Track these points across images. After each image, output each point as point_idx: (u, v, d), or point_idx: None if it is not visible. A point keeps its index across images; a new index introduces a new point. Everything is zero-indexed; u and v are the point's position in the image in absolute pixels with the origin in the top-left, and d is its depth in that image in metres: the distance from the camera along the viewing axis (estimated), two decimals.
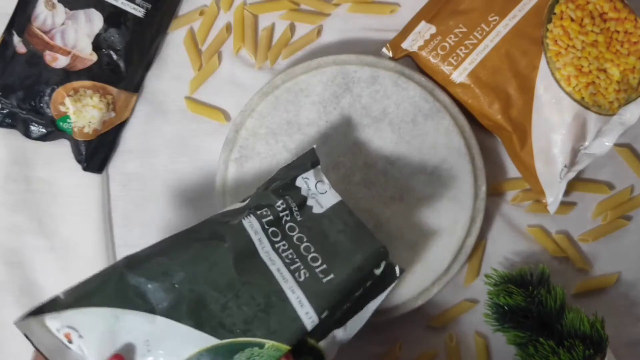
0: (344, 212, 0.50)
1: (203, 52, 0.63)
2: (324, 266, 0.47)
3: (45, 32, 0.58)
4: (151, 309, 0.45)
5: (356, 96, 0.58)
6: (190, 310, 0.45)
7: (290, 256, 0.48)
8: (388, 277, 0.50)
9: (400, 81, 0.58)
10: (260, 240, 0.48)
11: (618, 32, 0.56)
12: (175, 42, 0.63)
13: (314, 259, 0.48)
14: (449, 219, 0.57)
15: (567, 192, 0.59)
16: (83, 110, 0.59)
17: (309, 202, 0.50)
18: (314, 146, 0.52)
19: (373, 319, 0.57)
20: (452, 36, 0.57)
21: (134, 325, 0.45)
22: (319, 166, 0.51)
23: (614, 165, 0.62)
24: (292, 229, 0.49)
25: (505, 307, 0.56)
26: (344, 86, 0.58)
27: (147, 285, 0.46)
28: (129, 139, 0.62)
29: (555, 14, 0.56)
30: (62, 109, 0.59)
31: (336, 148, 0.58)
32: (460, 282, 0.61)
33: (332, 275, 0.47)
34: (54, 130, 0.60)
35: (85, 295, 0.46)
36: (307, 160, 0.51)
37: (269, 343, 0.45)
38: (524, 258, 0.61)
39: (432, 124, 0.58)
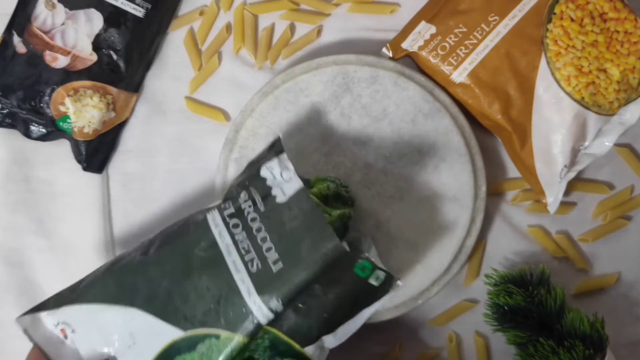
0: (303, 198, 0.48)
1: (203, 52, 0.63)
2: (276, 255, 0.47)
3: (45, 32, 0.58)
4: (132, 304, 0.48)
5: (356, 96, 0.58)
6: (161, 304, 0.47)
7: (246, 247, 0.48)
8: (384, 287, 0.49)
9: (400, 81, 0.58)
10: (221, 233, 0.48)
11: (618, 32, 0.56)
12: (175, 42, 0.63)
13: (268, 249, 0.47)
14: (449, 219, 0.57)
15: (567, 192, 0.59)
16: (83, 110, 0.59)
17: (274, 192, 0.49)
18: (280, 135, 0.51)
19: (373, 319, 0.57)
20: (452, 36, 0.57)
21: (119, 320, 0.48)
22: (284, 154, 0.50)
23: (614, 165, 0.62)
24: (253, 220, 0.49)
25: (505, 307, 0.56)
26: (344, 86, 0.58)
27: (129, 281, 0.49)
28: (129, 139, 0.62)
29: (555, 14, 0.56)
30: (62, 109, 0.59)
31: (336, 148, 0.58)
32: (460, 282, 0.61)
33: (281, 264, 0.47)
34: (54, 130, 0.60)
35: (78, 292, 0.49)
36: (272, 150, 0.51)
37: (224, 334, 0.46)
38: (524, 258, 0.61)
39: (432, 124, 0.58)
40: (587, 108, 0.56)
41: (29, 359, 0.49)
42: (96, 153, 0.61)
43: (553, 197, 0.58)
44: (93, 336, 0.49)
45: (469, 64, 0.57)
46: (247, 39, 0.62)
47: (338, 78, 0.58)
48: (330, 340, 0.49)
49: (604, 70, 0.56)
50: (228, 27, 0.63)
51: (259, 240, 0.48)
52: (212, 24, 0.63)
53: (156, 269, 0.49)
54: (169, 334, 0.47)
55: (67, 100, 0.59)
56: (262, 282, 0.47)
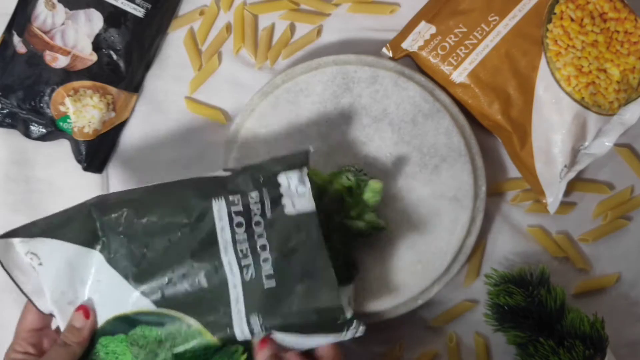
0: (313, 224, 0.48)
1: (203, 52, 0.63)
2: (271, 271, 0.47)
3: (45, 32, 0.58)
4: (107, 256, 0.48)
5: (356, 96, 0.58)
6: (139, 273, 0.47)
7: (244, 250, 0.47)
8: (346, 325, 0.48)
9: (400, 81, 0.58)
10: (223, 228, 0.48)
11: (618, 32, 0.56)
12: (175, 42, 0.63)
13: (265, 260, 0.47)
14: (449, 219, 0.57)
15: (567, 192, 0.59)
16: (83, 110, 0.59)
17: (284, 201, 0.48)
18: (311, 148, 0.50)
19: (374, 319, 0.57)
20: (452, 36, 0.57)
21: (90, 264, 0.48)
22: (306, 169, 0.50)
23: (614, 165, 0.62)
24: (258, 223, 0.48)
25: (505, 307, 0.56)
26: (344, 86, 0.58)
27: (109, 232, 0.48)
28: (129, 139, 0.63)
29: (555, 14, 0.56)
30: (62, 109, 0.59)
31: (336, 148, 0.58)
32: (460, 282, 0.61)
33: (274, 283, 0.47)
34: (54, 130, 0.60)
35: (53, 226, 0.49)
36: (297, 160, 0.50)
37: (196, 325, 0.47)
38: (524, 258, 0.61)
39: (432, 124, 0.58)
40: (587, 108, 0.56)
41: (23, 319, 0.49)
42: (96, 153, 0.61)
43: (553, 197, 0.58)
44: (61, 274, 0.48)
45: (469, 64, 0.57)
46: (247, 39, 0.62)
47: (338, 78, 0.58)
48: (280, 338, 0.49)
49: (604, 70, 0.56)
50: (228, 27, 0.63)
51: (258, 247, 0.47)
52: (212, 24, 0.63)
53: (146, 238, 0.48)
54: (138, 302, 0.47)
55: (67, 100, 0.59)
56: (251, 294, 0.47)
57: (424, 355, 0.60)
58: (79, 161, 0.61)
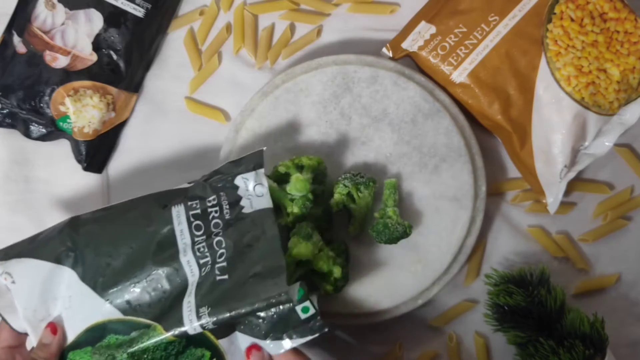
0: (269, 220, 0.49)
1: (203, 52, 0.63)
2: (224, 264, 0.48)
3: (45, 32, 0.58)
4: (77, 271, 0.50)
5: (356, 96, 0.58)
6: (105, 282, 0.49)
7: (202, 249, 0.49)
8: (308, 323, 0.48)
9: (400, 81, 0.58)
10: (182, 232, 0.50)
11: (618, 32, 0.56)
12: (175, 42, 0.63)
13: (220, 255, 0.49)
14: (449, 219, 0.57)
15: (567, 192, 0.59)
16: (83, 110, 0.59)
17: (243, 202, 0.50)
18: (264, 148, 0.52)
19: (374, 319, 0.57)
20: (452, 36, 0.57)
21: (61, 281, 0.50)
22: (262, 169, 0.51)
23: (614, 165, 0.62)
24: (216, 225, 0.50)
25: (505, 307, 0.56)
26: (344, 86, 0.58)
27: (78, 247, 0.50)
28: (129, 139, 0.63)
29: (555, 14, 0.56)
30: (62, 109, 0.59)
31: (336, 148, 0.58)
32: (460, 282, 0.61)
33: (226, 276, 0.48)
34: (54, 130, 0.60)
35: (30, 247, 0.51)
36: (252, 162, 0.51)
37: (158, 327, 0.48)
38: (524, 258, 0.61)
39: (432, 124, 0.58)
40: (587, 108, 0.56)
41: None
42: (96, 153, 0.61)
43: (553, 197, 0.58)
44: (34, 291, 0.50)
45: (469, 64, 0.57)
46: (247, 39, 0.62)
47: (338, 78, 0.58)
48: (243, 341, 0.49)
49: (604, 70, 0.56)
50: (228, 27, 0.63)
51: (215, 245, 0.49)
52: (212, 24, 0.63)
53: (110, 248, 0.50)
54: (106, 313, 0.49)
55: (67, 100, 0.59)
56: (203, 288, 0.48)
57: (424, 355, 0.60)
58: (79, 161, 0.61)
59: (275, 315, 0.48)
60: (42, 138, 0.61)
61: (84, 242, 0.50)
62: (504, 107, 0.57)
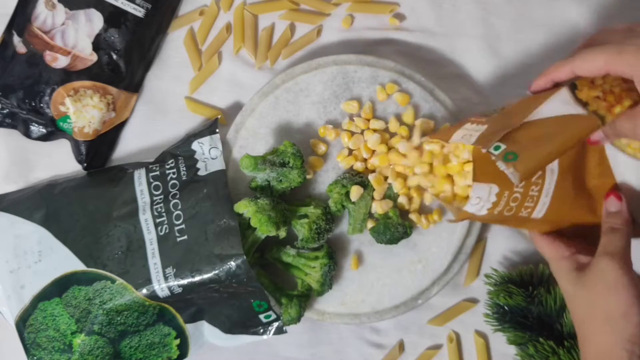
0: (221, 181, 0.55)
1: (203, 52, 0.63)
2: (182, 226, 0.53)
3: (45, 32, 0.58)
4: (48, 227, 0.55)
5: (356, 96, 0.58)
6: (74, 237, 0.55)
7: (159, 209, 0.54)
8: (270, 325, 0.55)
9: (400, 81, 0.58)
10: (142, 192, 0.55)
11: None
12: (175, 42, 0.63)
13: (178, 217, 0.53)
14: (449, 218, 0.57)
15: None
16: (83, 110, 0.59)
17: (198, 165, 0.56)
18: (219, 116, 0.58)
19: (375, 319, 0.57)
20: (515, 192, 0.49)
21: (32, 236, 0.55)
22: (217, 135, 0.56)
23: (613, 165, 0.62)
24: (174, 186, 0.55)
25: (505, 307, 0.56)
26: (344, 86, 0.58)
27: (51, 205, 0.56)
28: (129, 139, 0.62)
29: None
30: (62, 109, 0.59)
31: (336, 148, 0.58)
32: (460, 282, 0.61)
33: (185, 237, 0.52)
34: (54, 130, 0.60)
35: (9, 202, 0.57)
36: (208, 128, 0.58)
37: (119, 280, 0.53)
38: (524, 258, 0.61)
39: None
40: None
41: None
42: (96, 153, 0.61)
43: None
44: (7, 245, 0.55)
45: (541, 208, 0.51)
46: (247, 39, 0.62)
47: (338, 78, 0.58)
48: (209, 332, 0.56)
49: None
50: (228, 27, 0.63)
51: (171, 206, 0.54)
52: (212, 24, 0.63)
53: (79, 207, 0.56)
54: (72, 264, 0.54)
55: (67, 100, 0.59)
56: (166, 248, 0.53)
57: (424, 355, 0.60)
58: (79, 161, 0.61)
59: (238, 316, 0.54)
60: (42, 138, 0.61)
61: (58, 203, 0.56)
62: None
